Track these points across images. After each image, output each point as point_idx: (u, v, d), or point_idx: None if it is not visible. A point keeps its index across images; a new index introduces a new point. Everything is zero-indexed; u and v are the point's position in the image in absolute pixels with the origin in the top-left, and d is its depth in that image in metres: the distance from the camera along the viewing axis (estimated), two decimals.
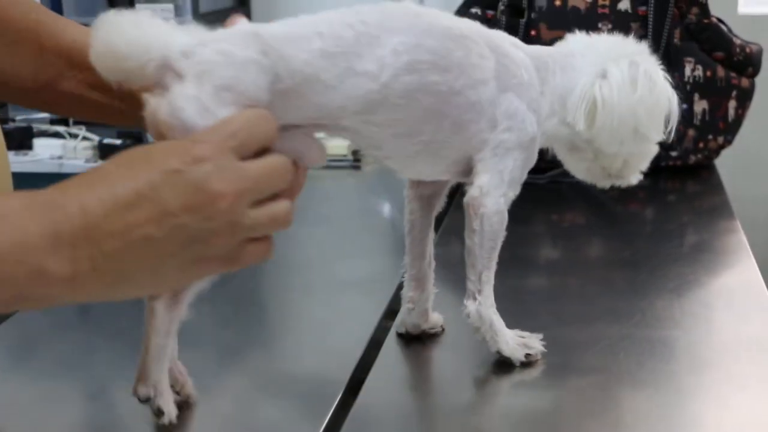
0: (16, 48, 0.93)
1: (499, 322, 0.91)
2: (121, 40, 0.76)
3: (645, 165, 0.97)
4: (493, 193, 0.89)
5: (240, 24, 0.82)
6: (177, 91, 0.76)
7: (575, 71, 0.92)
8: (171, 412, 0.81)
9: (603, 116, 0.91)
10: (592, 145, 0.93)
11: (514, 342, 0.92)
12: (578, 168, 0.98)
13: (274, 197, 0.74)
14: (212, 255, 0.71)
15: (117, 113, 0.93)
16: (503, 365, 0.95)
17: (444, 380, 0.93)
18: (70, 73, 0.92)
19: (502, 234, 0.90)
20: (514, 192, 0.90)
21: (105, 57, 0.77)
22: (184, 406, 0.86)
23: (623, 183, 0.97)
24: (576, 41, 0.96)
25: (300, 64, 0.79)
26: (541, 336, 0.93)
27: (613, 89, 0.90)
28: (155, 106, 0.76)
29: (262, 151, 0.74)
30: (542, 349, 0.92)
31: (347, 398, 0.88)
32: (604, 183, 0.98)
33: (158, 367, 0.80)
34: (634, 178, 0.97)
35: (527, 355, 0.92)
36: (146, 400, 0.80)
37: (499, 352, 0.91)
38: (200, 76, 0.76)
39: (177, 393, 0.84)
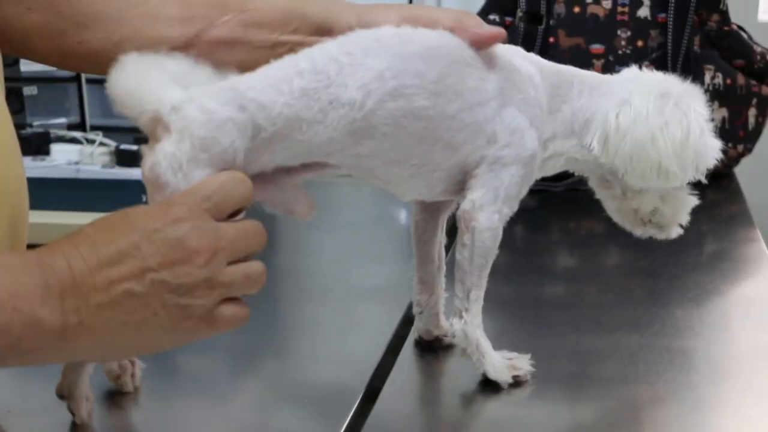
0: (161, 8, 0.95)
1: (485, 343, 0.89)
2: (120, 88, 0.80)
3: (682, 217, 0.94)
4: (487, 208, 0.87)
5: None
6: (160, 145, 0.79)
7: (606, 97, 0.90)
8: (81, 415, 0.84)
9: (616, 141, 0.89)
10: (616, 176, 0.91)
11: (501, 364, 0.89)
12: (611, 207, 0.96)
13: (247, 258, 0.77)
14: (192, 314, 0.74)
15: (286, 46, 0.92)
16: None
17: (462, 389, 0.92)
18: (221, 20, 0.93)
19: (493, 252, 0.88)
20: (510, 209, 0.88)
21: (113, 100, 0.81)
22: (196, 412, 0.86)
23: (660, 235, 0.95)
24: (623, 73, 0.93)
25: (280, 107, 0.80)
26: (529, 356, 0.91)
27: (630, 116, 0.88)
28: (144, 157, 0.80)
29: (237, 212, 0.78)
30: (530, 369, 0.90)
31: (364, 406, 0.87)
32: (639, 231, 0.96)
33: (75, 371, 0.84)
34: (674, 231, 0.95)
35: (515, 377, 0.89)
36: (61, 398, 0.85)
37: (485, 375, 0.89)
38: (182, 133, 0.79)
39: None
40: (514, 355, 0.91)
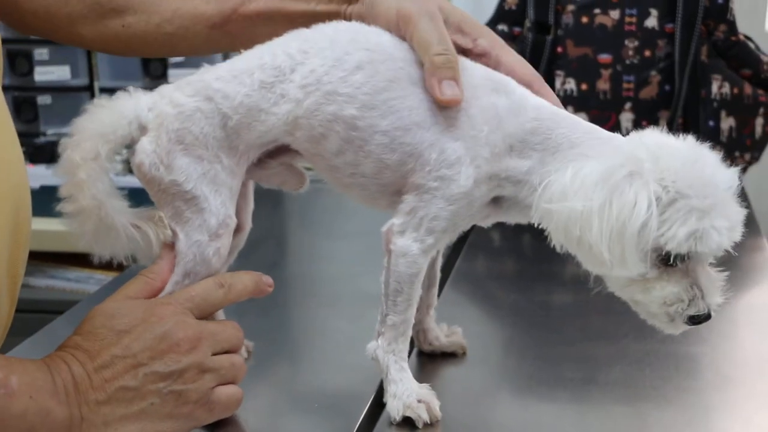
0: None
1: (397, 371, 0.86)
2: (99, 112, 0.87)
3: (654, 322, 0.83)
4: (409, 234, 0.85)
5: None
6: (139, 145, 0.87)
7: (577, 159, 0.81)
8: None
9: (548, 211, 0.80)
10: None
11: (405, 399, 0.85)
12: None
13: (229, 352, 0.85)
14: (189, 399, 0.81)
15: (323, 16, 0.92)
16: (529, 380, 0.95)
17: (470, 394, 0.93)
18: None
19: (409, 279, 0.85)
20: (435, 240, 0.85)
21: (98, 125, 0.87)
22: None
23: (667, 329, 0.83)
24: (632, 135, 0.83)
25: (241, 97, 0.85)
26: (439, 404, 0.85)
27: (569, 185, 0.79)
28: (131, 159, 0.88)
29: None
30: (426, 419, 0.84)
31: (373, 411, 0.89)
32: (651, 321, 0.85)
33: None
34: (672, 327, 0.82)
35: (409, 418, 0.84)
36: None
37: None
38: (158, 129, 0.86)
39: None
40: (428, 396, 0.85)
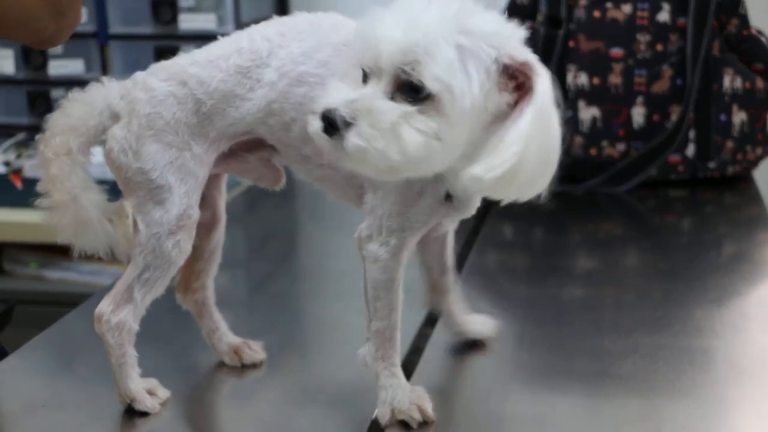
0: None
1: (387, 378, 0.84)
2: (72, 106, 0.88)
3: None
4: (375, 239, 0.83)
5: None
6: (110, 132, 0.86)
7: None
8: (151, 408, 0.87)
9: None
10: None
11: (396, 405, 0.83)
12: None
13: None
14: None
15: None
16: (542, 373, 0.95)
17: (483, 388, 0.94)
18: None
19: (385, 285, 0.84)
20: (399, 241, 0.83)
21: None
22: (223, 410, 0.87)
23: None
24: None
25: (216, 83, 0.85)
26: (432, 405, 0.84)
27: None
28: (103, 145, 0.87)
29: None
30: (419, 418, 0.83)
31: None
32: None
33: (124, 378, 0.87)
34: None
35: (402, 421, 0.83)
36: (128, 407, 0.87)
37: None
38: (130, 115, 0.85)
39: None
40: (419, 398, 0.84)
